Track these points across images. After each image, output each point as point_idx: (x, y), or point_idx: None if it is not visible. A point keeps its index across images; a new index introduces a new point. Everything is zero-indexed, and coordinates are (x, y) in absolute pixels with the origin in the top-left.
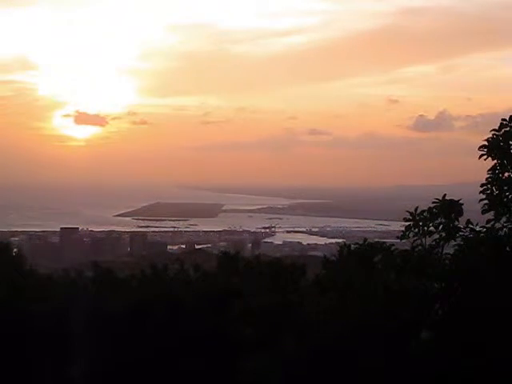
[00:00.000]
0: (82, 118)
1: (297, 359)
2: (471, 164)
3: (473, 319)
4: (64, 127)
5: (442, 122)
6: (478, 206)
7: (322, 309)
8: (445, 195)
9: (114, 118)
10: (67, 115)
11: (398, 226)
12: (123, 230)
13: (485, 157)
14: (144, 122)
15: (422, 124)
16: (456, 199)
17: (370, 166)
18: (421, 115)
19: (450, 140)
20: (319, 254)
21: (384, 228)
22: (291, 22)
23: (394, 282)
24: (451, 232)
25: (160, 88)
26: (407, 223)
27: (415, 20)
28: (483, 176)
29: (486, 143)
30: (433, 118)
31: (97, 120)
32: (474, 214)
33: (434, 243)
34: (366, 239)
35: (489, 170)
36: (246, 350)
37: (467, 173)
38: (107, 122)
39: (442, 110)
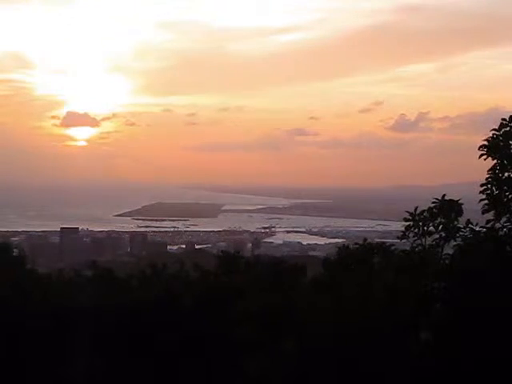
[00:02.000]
0: (79, 118)
1: (296, 359)
2: (464, 164)
3: (473, 319)
4: (61, 127)
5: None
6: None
7: (321, 309)
8: (444, 195)
9: (110, 118)
10: (64, 115)
11: (398, 226)
12: (123, 230)
13: (484, 157)
14: (141, 123)
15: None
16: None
17: (366, 167)
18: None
19: (451, 140)
20: (319, 254)
21: (384, 228)
22: (285, 20)
23: (393, 281)
24: (451, 232)
25: (155, 87)
26: (407, 223)
27: (412, 18)
28: (472, 176)
29: (485, 143)
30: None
31: (94, 120)
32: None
33: (433, 243)
34: (365, 239)
35: (489, 170)
36: (245, 350)
37: (459, 174)
38: (104, 122)
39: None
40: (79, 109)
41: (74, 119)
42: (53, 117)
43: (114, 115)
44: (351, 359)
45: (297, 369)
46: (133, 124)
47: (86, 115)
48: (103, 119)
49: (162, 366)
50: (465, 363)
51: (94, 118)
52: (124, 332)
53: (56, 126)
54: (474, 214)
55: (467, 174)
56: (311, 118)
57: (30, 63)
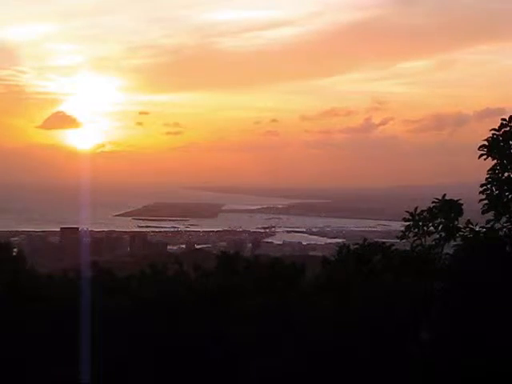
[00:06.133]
0: (68, 118)
1: (296, 359)
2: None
3: (473, 319)
4: (57, 127)
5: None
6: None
7: (321, 309)
8: (444, 195)
9: (102, 117)
10: (60, 114)
11: (399, 226)
12: (123, 229)
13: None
14: (137, 121)
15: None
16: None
17: (364, 166)
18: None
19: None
20: (319, 254)
21: (384, 228)
22: (277, 14)
23: (393, 282)
24: (451, 232)
25: (147, 85)
26: (407, 223)
27: (408, 12)
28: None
29: (486, 143)
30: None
31: (84, 119)
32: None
33: (433, 243)
34: (365, 239)
35: (489, 170)
36: (245, 350)
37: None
38: (96, 122)
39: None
40: (68, 108)
41: (64, 119)
42: (56, 115)
43: (105, 114)
44: (351, 360)
45: (295, 370)
46: (130, 123)
47: (76, 115)
48: (94, 119)
49: (162, 366)
50: (465, 363)
51: (84, 118)
52: (124, 332)
53: (46, 125)
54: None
55: (466, 174)
56: (311, 117)
57: (27, 61)
